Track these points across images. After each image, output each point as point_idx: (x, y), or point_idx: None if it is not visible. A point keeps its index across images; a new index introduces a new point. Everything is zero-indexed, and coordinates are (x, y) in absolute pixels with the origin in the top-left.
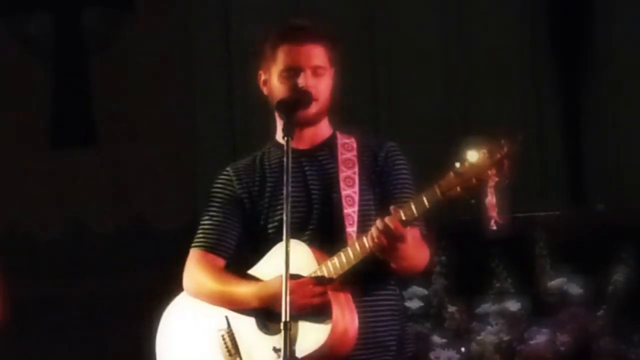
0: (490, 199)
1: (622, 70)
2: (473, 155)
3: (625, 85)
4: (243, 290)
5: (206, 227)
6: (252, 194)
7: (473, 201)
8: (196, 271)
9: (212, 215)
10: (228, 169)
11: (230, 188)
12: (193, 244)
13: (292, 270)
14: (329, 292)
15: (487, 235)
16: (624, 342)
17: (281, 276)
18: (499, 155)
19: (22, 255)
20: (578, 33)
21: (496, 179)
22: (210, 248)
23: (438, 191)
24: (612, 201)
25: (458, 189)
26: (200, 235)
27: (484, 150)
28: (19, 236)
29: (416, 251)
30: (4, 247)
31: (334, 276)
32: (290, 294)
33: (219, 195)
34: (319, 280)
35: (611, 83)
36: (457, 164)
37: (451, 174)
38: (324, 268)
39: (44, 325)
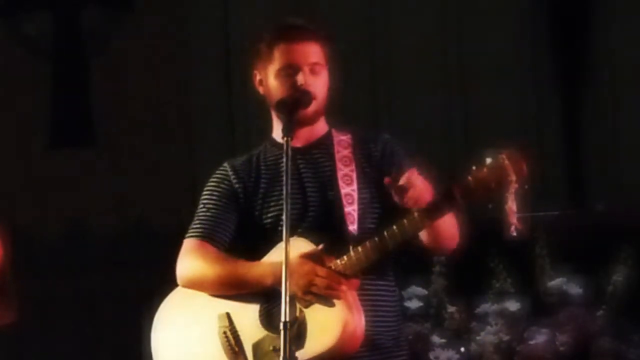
0: (511, 205)
1: (621, 70)
2: (492, 161)
3: (625, 85)
4: (255, 269)
5: (202, 217)
6: (247, 189)
7: (491, 206)
8: (194, 259)
9: (210, 208)
10: (225, 164)
11: (227, 182)
12: (188, 234)
13: None
14: None
15: (487, 236)
16: (623, 342)
17: (299, 256)
18: (518, 161)
19: (22, 255)
20: (578, 34)
21: (516, 185)
22: (206, 238)
23: (457, 195)
24: (612, 201)
25: (477, 193)
26: (197, 225)
27: (503, 156)
28: (19, 236)
29: (452, 228)
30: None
31: (357, 268)
32: (314, 276)
33: (216, 189)
34: (340, 274)
35: (611, 83)
36: (474, 168)
37: (469, 178)
38: (332, 266)
39: (43, 325)
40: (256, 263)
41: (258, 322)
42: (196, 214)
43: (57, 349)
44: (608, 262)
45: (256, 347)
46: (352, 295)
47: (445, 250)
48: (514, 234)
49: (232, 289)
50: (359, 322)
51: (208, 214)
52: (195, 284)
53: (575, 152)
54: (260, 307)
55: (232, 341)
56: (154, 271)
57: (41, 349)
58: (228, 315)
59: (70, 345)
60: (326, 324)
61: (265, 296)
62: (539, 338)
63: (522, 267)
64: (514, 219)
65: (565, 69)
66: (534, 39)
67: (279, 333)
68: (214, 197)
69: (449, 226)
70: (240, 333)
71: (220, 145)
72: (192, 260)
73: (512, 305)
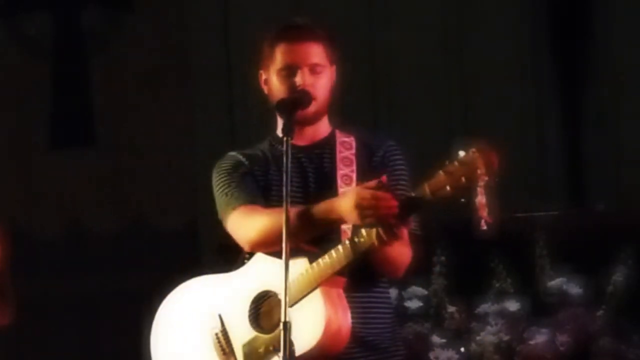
0: (480, 198)
1: (622, 71)
2: (462, 155)
3: (625, 85)
4: (319, 206)
5: (235, 190)
6: (257, 177)
7: (463, 200)
8: (252, 219)
9: (238, 181)
10: (233, 153)
11: (242, 166)
12: (230, 207)
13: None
14: (321, 289)
15: (484, 236)
16: (623, 342)
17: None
18: (488, 155)
19: (22, 255)
20: (578, 35)
21: (486, 179)
22: (250, 201)
23: (428, 190)
24: (612, 201)
25: (448, 188)
26: (235, 196)
27: (473, 150)
28: (18, 236)
29: (398, 253)
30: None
31: (330, 271)
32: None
33: (234, 170)
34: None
35: (611, 84)
36: (447, 163)
37: (440, 173)
38: (315, 265)
39: (43, 325)
40: (317, 204)
41: (247, 323)
42: (225, 194)
43: (56, 349)
44: (608, 262)
45: (246, 347)
46: (337, 293)
47: (388, 275)
48: (484, 227)
49: (301, 232)
50: (343, 321)
51: (241, 185)
52: (263, 240)
53: (575, 152)
54: (250, 308)
55: (223, 342)
56: (153, 271)
57: (41, 349)
58: (220, 317)
59: (70, 346)
60: (310, 323)
61: (254, 297)
62: (539, 338)
63: (522, 267)
64: (484, 213)
65: (565, 69)
66: (534, 39)
67: (267, 333)
68: (235, 175)
69: (398, 255)
70: (230, 334)
71: (220, 145)
72: (250, 221)
73: (512, 305)
